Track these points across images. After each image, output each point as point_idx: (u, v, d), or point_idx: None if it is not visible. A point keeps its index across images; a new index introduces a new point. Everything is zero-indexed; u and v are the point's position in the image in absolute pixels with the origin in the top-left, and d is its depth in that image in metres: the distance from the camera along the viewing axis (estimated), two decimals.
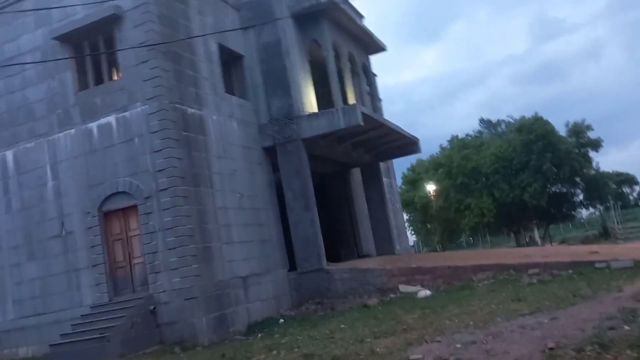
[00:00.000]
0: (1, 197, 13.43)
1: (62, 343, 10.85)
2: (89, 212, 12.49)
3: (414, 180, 42.00)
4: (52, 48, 13.19)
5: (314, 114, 15.83)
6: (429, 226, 42.59)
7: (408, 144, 20.42)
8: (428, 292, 12.90)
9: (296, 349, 9.32)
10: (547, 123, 36.09)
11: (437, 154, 42.60)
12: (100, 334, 10.47)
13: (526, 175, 34.87)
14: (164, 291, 11.71)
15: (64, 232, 12.67)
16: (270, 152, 15.89)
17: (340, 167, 20.48)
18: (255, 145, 15.61)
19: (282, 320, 13.04)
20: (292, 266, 15.58)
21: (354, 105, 15.73)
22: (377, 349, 8.31)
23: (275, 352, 9.44)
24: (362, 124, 14.99)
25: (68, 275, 12.56)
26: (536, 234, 40.36)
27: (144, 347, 11.01)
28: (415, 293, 13.08)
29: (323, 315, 12.99)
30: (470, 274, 13.49)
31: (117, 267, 12.37)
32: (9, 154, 13.45)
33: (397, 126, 18.18)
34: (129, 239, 12.38)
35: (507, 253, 18.09)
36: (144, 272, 12.06)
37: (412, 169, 42.74)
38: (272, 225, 15.43)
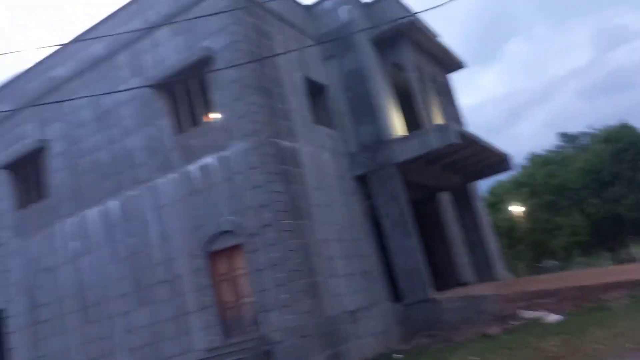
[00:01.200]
0: (107, 245, 13.62)
1: None
2: (195, 254, 12.39)
3: (494, 204, 40.19)
4: (147, 96, 13.51)
5: (405, 136, 15.35)
6: (515, 250, 40.37)
7: (498, 162, 19.43)
8: (556, 317, 11.77)
9: None
10: (635, 130, 33.87)
11: (516, 174, 40.72)
12: None
13: (618, 187, 32.60)
14: (276, 330, 11.29)
15: (172, 276, 12.60)
16: (363, 181, 15.46)
17: (428, 192, 19.72)
18: (347, 174, 15.25)
19: (399, 356, 12.27)
20: (395, 298, 14.85)
21: (446, 124, 15.14)
22: None
23: None
24: (457, 142, 14.32)
25: (178, 320, 12.40)
26: (634, 251, 37.38)
27: None
28: (540, 318, 11.98)
29: (440, 349, 12.11)
30: (599, 293, 12.26)
31: (227, 308, 12.11)
32: (113, 203, 13.71)
33: (489, 143, 17.34)
34: (236, 278, 12.13)
35: (635, 269, 16.53)
36: (254, 311, 11.71)
37: (492, 192, 41.00)
38: (372, 255, 14.85)
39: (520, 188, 37.40)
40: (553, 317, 11.68)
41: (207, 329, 12.04)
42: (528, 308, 12.58)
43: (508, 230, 37.65)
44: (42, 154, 15.00)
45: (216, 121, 12.78)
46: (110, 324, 13.22)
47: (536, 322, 11.88)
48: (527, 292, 13.06)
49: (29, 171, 15.46)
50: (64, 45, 14.79)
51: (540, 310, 12.24)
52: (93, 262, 13.75)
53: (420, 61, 17.42)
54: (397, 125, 16.35)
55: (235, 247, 12.10)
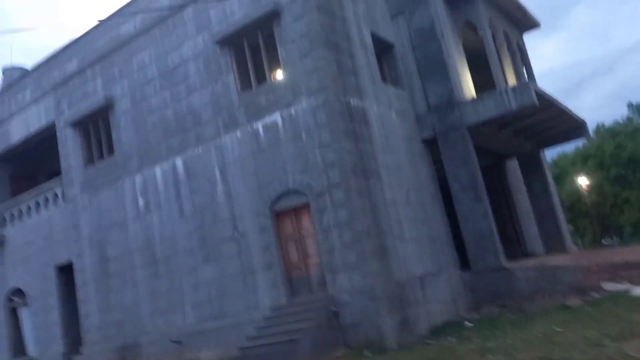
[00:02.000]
0: (174, 202, 13.66)
1: (251, 346, 10.52)
2: (261, 213, 12.23)
3: (557, 176, 38.39)
4: (213, 52, 13.26)
5: (479, 97, 14.52)
6: (577, 224, 38.60)
7: (574, 128, 18.27)
8: None
9: (516, 354, 8.08)
10: None
11: (581, 145, 38.63)
12: (289, 336, 9.98)
13: None
14: (344, 291, 11.03)
15: (236, 234, 12.52)
16: (430, 144, 14.82)
17: (495, 159, 18.85)
18: (415, 136, 14.64)
19: (468, 324, 11.80)
20: (463, 265, 14.33)
21: (526, 83, 14.24)
22: (630, 353, 6.89)
23: (490, 356, 8.29)
24: (537, 103, 13.42)
25: (244, 278, 12.36)
26: None
27: (329, 350, 10.38)
28: (627, 291, 11.20)
29: (515, 318, 11.55)
30: None
31: (293, 267, 11.94)
32: (179, 161, 13.68)
33: (567, 107, 16.24)
34: (303, 238, 11.91)
35: None
36: (320, 272, 11.50)
37: (555, 163, 39.14)
38: (439, 220, 14.30)
39: (586, 160, 35.52)
40: None
41: (272, 287, 11.94)
42: (611, 280, 11.80)
43: (572, 203, 35.98)
44: (109, 111, 15.11)
45: (283, 77, 12.41)
46: (178, 279, 13.35)
47: (622, 294, 11.12)
48: (611, 264, 12.24)
49: (96, 128, 15.64)
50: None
51: (626, 283, 11.44)
52: (161, 218, 13.84)
53: (494, 18, 16.39)
54: (468, 86, 15.51)
55: (302, 207, 11.85)
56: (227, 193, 12.79)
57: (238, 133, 12.76)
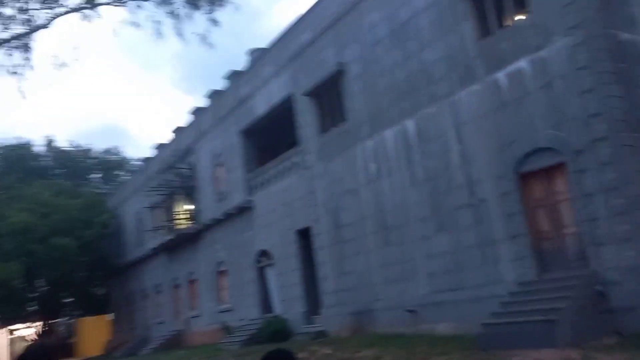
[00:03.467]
0: (405, 168, 13.03)
1: (496, 323, 9.32)
2: (502, 176, 10.79)
3: None
4: (447, 0, 12.10)
5: None
6: None
7: None
8: None
9: None
10: None
11: None
12: (543, 315, 8.49)
13: None
14: (612, 268, 9.01)
15: (475, 200, 11.30)
16: None
17: None
18: None
19: None
20: None
21: None
22: None
23: None
24: None
25: (482, 249, 11.12)
26: None
27: (595, 337, 8.54)
28: None
29: None
30: None
31: (542, 238, 10.26)
32: (411, 123, 12.95)
33: None
34: (555, 204, 10.13)
35: None
36: (579, 244, 9.61)
37: None
38: None
39: None
40: None
41: (517, 260, 10.46)
42: None
43: None
44: (341, 78, 15.15)
45: (530, 17, 10.65)
46: (410, 248, 12.74)
47: None
48: None
49: (329, 96, 15.88)
50: None
51: None
52: (392, 185, 13.37)
53: None
54: None
55: (555, 167, 10.07)
56: (462, 155, 11.63)
57: (475, 87, 11.44)
